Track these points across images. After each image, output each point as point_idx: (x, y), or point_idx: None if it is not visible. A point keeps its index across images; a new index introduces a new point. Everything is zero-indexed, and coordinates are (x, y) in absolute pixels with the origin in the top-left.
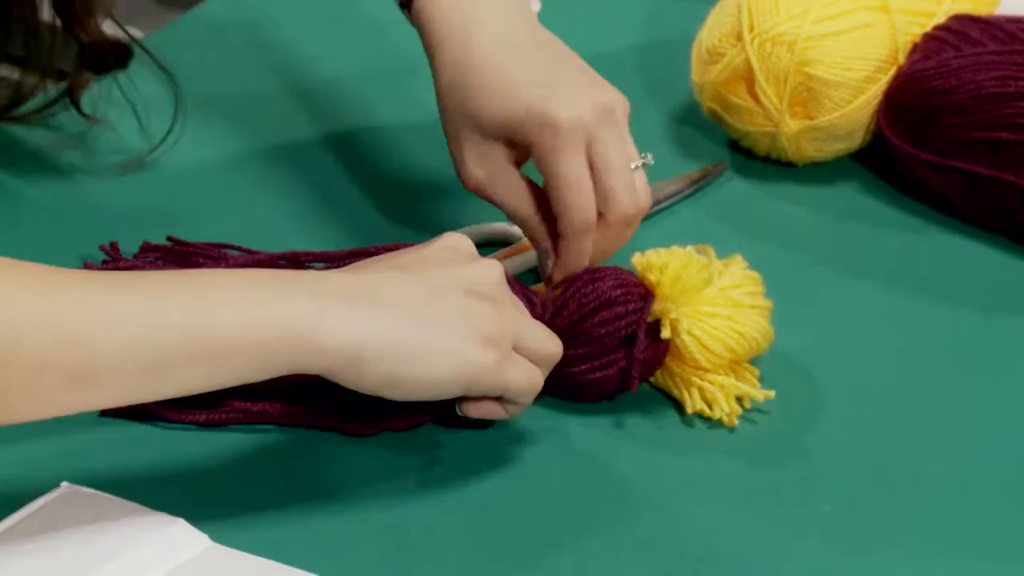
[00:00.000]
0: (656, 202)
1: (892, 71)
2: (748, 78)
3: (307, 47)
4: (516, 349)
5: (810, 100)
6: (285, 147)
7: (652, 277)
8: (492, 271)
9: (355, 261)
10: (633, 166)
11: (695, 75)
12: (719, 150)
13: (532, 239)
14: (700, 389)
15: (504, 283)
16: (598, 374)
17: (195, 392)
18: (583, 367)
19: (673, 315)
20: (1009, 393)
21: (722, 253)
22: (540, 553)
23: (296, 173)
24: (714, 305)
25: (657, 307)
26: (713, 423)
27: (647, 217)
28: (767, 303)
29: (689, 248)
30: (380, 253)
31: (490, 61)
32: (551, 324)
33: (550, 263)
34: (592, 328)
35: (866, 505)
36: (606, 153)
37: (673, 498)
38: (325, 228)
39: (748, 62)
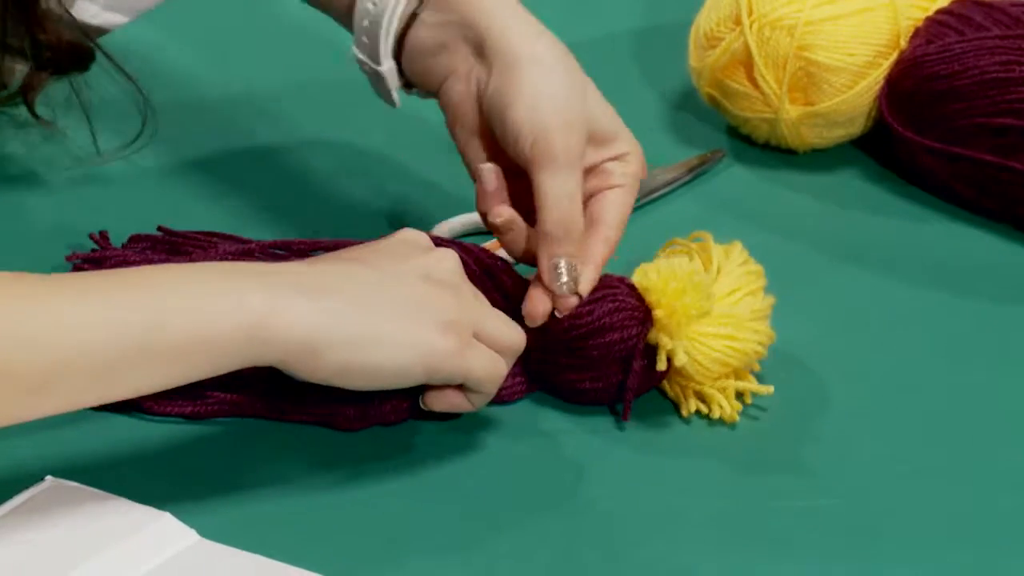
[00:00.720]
0: (653, 190)
1: (894, 56)
2: (747, 63)
3: (287, 33)
4: (477, 337)
5: (810, 86)
6: (269, 137)
7: (651, 299)
8: (448, 259)
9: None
10: None
11: (693, 60)
12: (717, 136)
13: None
14: (697, 393)
15: (461, 271)
16: (587, 385)
17: (147, 392)
18: (573, 377)
19: (669, 347)
20: (1013, 384)
21: (721, 243)
22: (532, 547)
23: (281, 163)
24: (712, 324)
25: (653, 336)
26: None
27: (645, 204)
28: (768, 302)
29: (693, 264)
30: (368, 242)
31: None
32: (541, 335)
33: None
34: (587, 349)
35: (866, 498)
36: None
37: (670, 492)
38: (312, 217)
39: (747, 47)
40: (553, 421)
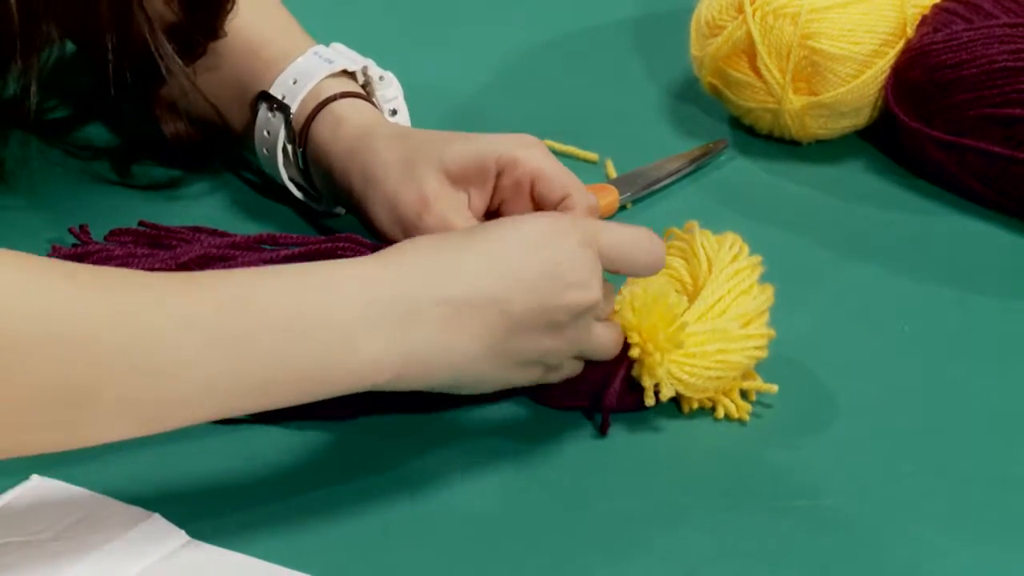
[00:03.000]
0: (655, 180)
1: (900, 44)
2: (750, 52)
3: None
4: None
5: (814, 75)
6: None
7: (631, 337)
8: (582, 290)
9: (332, 245)
10: None
11: (694, 49)
12: (720, 127)
13: None
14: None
15: (591, 290)
16: (570, 403)
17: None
18: (568, 402)
19: (650, 385)
20: (1021, 380)
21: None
22: (532, 548)
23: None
24: (699, 343)
25: (635, 371)
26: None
27: (646, 196)
28: (764, 297)
29: (666, 292)
30: (351, 239)
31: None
32: None
33: None
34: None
35: (871, 498)
36: None
37: (672, 490)
38: (298, 212)
39: (749, 35)
40: (552, 418)
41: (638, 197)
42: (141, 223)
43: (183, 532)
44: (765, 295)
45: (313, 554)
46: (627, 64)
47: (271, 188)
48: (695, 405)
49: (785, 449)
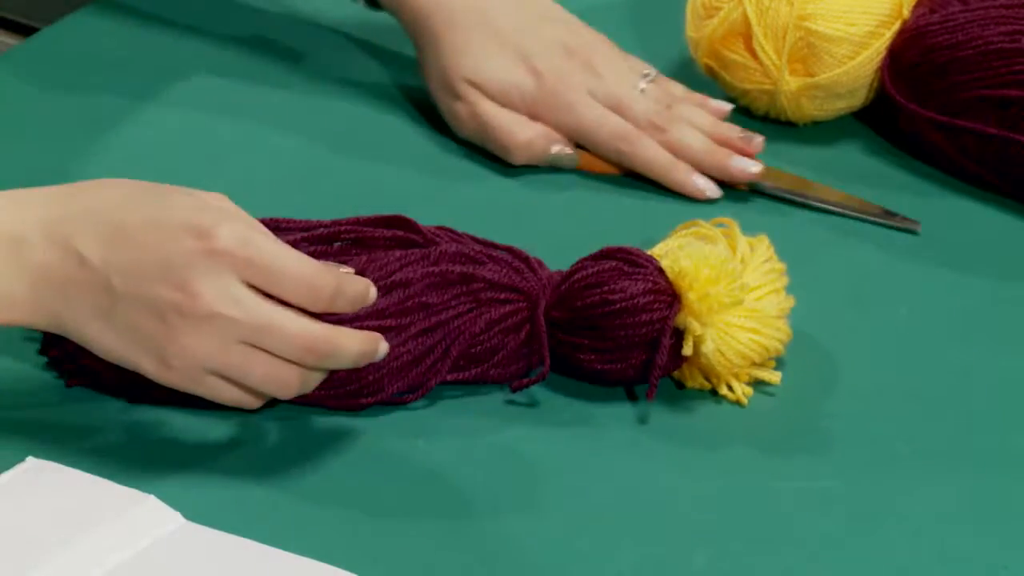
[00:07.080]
0: (804, 199)
1: (896, 26)
2: (746, 33)
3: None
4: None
5: (810, 56)
6: (262, 113)
7: (683, 283)
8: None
9: (334, 230)
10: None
11: (690, 30)
12: None
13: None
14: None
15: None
16: (608, 366)
17: None
18: (593, 356)
19: (698, 334)
20: (1018, 363)
21: (716, 219)
22: (524, 533)
23: (271, 138)
24: (739, 316)
25: (681, 320)
26: (716, 396)
27: (776, 198)
28: (789, 302)
29: (724, 251)
30: (359, 223)
31: (468, 26)
32: (567, 312)
33: None
34: (615, 329)
35: (868, 479)
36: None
37: (668, 471)
38: (303, 194)
39: (745, 16)
40: (547, 400)
41: (772, 194)
42: None
43: (178, 514)
44: (789, 302)
45: (309, 536)
46: (622, 45)
47: (269, 175)
48: (698, 383)
49: (781, 431)
